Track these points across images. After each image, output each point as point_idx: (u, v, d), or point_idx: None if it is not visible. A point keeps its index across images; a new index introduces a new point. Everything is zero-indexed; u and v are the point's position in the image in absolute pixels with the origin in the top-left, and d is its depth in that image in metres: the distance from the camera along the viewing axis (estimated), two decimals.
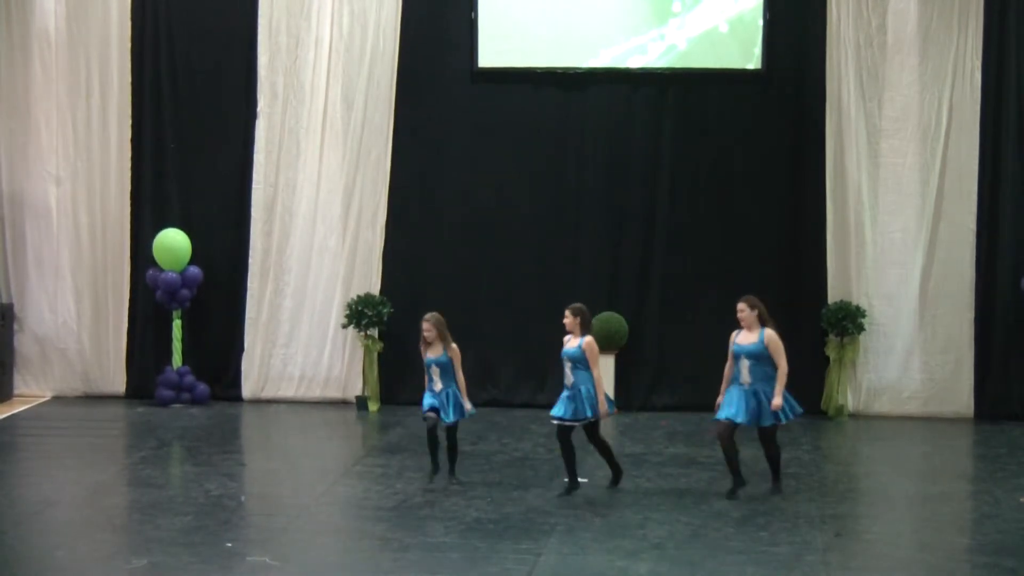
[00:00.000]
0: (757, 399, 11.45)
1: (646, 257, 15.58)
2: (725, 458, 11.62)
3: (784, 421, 11.59)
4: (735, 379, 11.54)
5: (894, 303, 15.24)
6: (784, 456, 13.21)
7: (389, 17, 15.57)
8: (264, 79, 15.70)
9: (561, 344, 11.69)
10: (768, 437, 11.67)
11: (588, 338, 11.56)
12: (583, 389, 11.45)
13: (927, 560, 10.04)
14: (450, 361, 11.77)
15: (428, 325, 11.81)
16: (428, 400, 11.84)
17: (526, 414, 14.79)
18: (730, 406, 11.45)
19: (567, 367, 11.55)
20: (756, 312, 11.60)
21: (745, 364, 11.47)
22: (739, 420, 11.41)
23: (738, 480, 11.57)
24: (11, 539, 10.36)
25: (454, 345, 11.80)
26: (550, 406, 11.83)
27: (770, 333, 11.52)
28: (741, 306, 11.62)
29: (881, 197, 15.22)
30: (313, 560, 9.89)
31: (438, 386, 11.79)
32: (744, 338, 11.58)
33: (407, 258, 15.73)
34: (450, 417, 11.77)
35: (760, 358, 11.45)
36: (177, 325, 15.74)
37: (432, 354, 11.81)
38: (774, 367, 11.48)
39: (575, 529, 10.61)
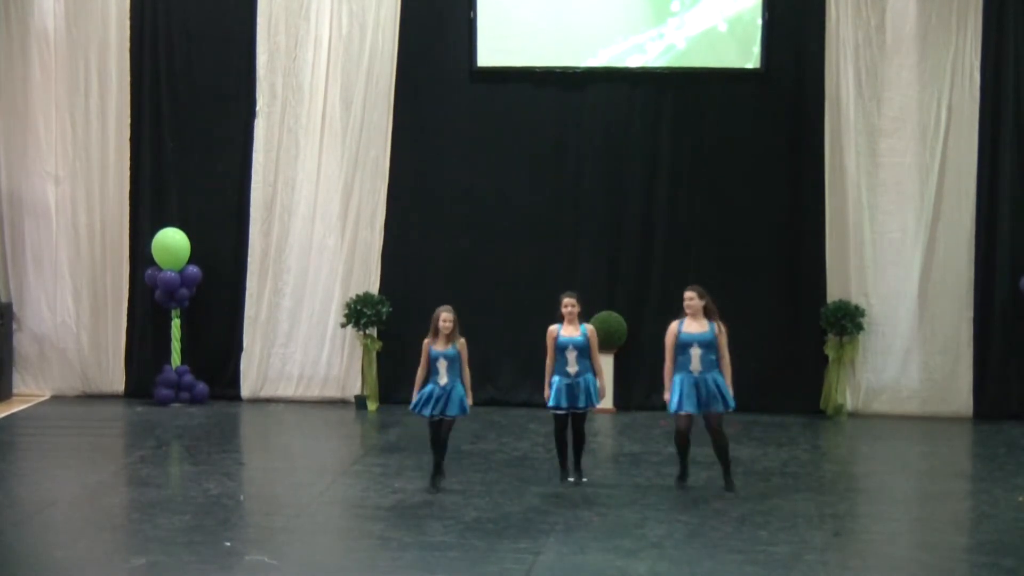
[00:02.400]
0: (707, 387, 11.58)
1: (645, 256, 15.58)
2: (682, 450, 11.84)
3: (730, 409, 11.73)
4: (683, 367, 11.60)
5: (893, 302, 15.24)
6: (783, 455, 13.28)
7: (388, 16, 15.57)
8: (263, 79, 15.70)
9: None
10: (717, 424, 11.71)
11: (591, 326, 11.94)
12: (588, 377, 11.73)
13: (926, 559, 10.04)
14: (458, 355, 11.60)
15: (449, 316, 11.54)
16: (429, 397, 11.53)
17: (525, 413, 14.80)
18: (688, 398, 11.56)
19: (573, 355, 11.65)
20: (704, 302, 11.73)
21: (696, 352, 11.58)
22: (695, 411, 11.63)
23: (686, 471, 11.90)
24: (10, 539, 10.36)
25: (462, 339, 11.65)
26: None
27: (722, 325, 11.74)
28: (690, 294, 11.75)
29: (880, 196, 15.22)
30: (311, 559, 9.89)
31: (443, 380, 11.55)
32: (692, 327, 11.67)
33: (406, 257, 15.73)
34: (454, 411, 11.59)
35: (710, 346, 11.60)
36: (176, 324, 15.75)
37: (440, 347, 11.58)
38: (717, 356, 11.66)
39: (574, 528, 10.61)
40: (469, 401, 11.71)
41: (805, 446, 13.82)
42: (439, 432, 11.67)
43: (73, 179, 15.95)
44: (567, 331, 11.73)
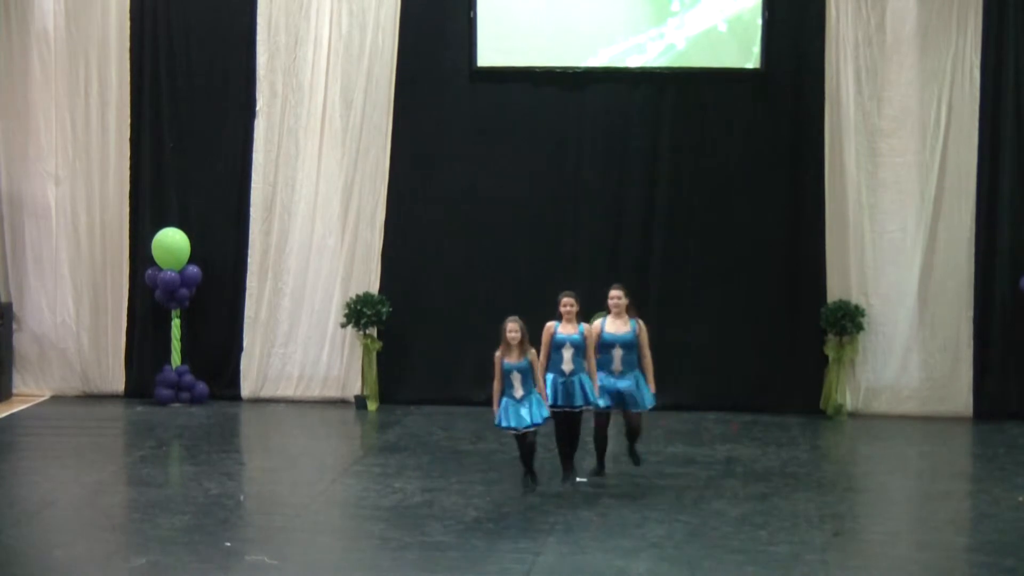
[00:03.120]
0: (626, 386, 11.80)
1: (644, 256, 15.58)
2: (600, 446, 12.08)
3: (647, 408, 11.95)
4: (605, 367, 11.79)
5: (893, 302, 15.24)
6: (783, 455, 13.27)
7: (388, 16, 15.57)
8: (263, 78, 15.71)
9: None
10: (636, 422, 11.97)
11: (588, 325, 11.88)
12: (583, 376, 11.69)
13: (925, 559, 10.04)
14: (531, 366, 11.46)
15: (516, 327, 11.43)
16: (514, 412, 11.42)
17: None
18: (602, 396, 11.77)
19: (569, 353, 11.61)
20: (627, 301, 11.91)
21: (618, 353, 11.76)
22: (612, 407, 11.86)
23: (602, 466, 12.19)
24: (10, 539, 10.36)
25: (533, 349, 11.53)
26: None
27: (642, 324, 11.94)
28: (617, 293, 11.95)
29: (880, 196, 15.22)
30: (312, 559, 9.90)
31: (519, 393, 11.43)
32: (614, 327, 11.86)
33: (406, 257, 15.74)
34: (538, 420, 11.47)
35: (631, 347, 11.79)
36: (176, 324, 15.75)
37: (512, 359, 11.45)
38: (639, 355, 11.87)
39: (574, 528, 10.62)
40: (545, 411, 11.53)
41: (805, 446, 13.81)
42: (524, 443, 11.59)
43: (73, 179, 15.95)
44: (564, 329, 11.70)
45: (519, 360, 11.43)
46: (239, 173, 15.81)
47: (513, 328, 11.44)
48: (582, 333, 11.68)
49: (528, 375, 11.45)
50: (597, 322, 11.98)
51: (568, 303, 11.73)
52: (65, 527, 10.83)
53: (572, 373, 11.62)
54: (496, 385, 11.57)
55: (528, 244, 15.64)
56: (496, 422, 11.57)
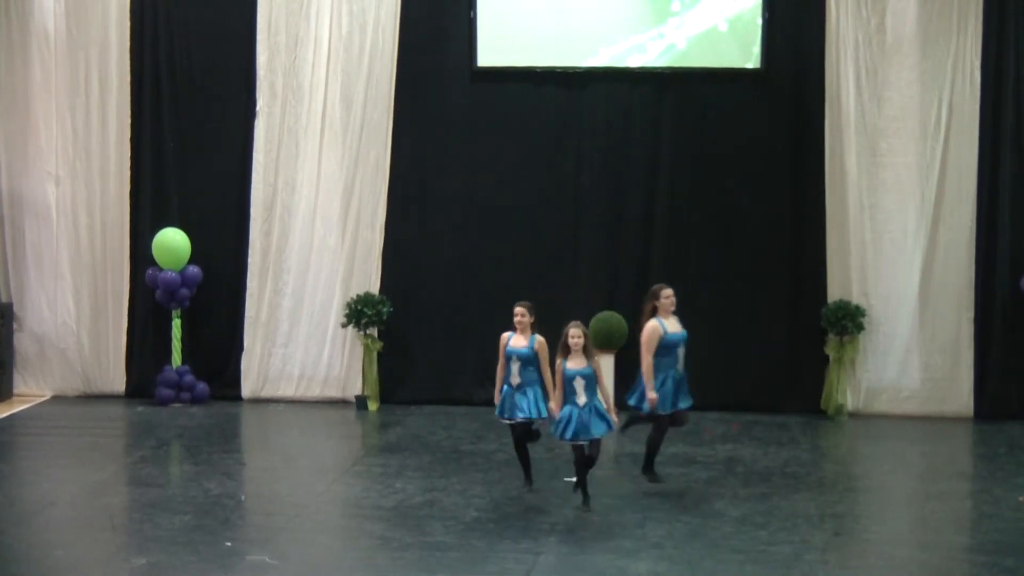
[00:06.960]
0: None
1: (645, 256, 15.58)
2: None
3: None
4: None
5: (893, 302, 15.24)
6: (783, 455, 13.28)
7: (388, 16, 15.57)
8: (263, 78, 15.71)
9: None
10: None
11: (540, 337, 11.52)
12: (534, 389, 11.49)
13: (926, 559, 10.05)
14: (594, 373, 11.19)
15: (579, 332, 11.14)
16: (568, 420, 11.12)
17: None
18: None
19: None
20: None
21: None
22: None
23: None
24: (11, 539, 10.37)
25: (597, 356, 11.31)
26: None
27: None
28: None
29: (880, 196, 15.22)
30: (312, 559, 9.91)
31: (582, 399, 11.12)
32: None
33: (406, 257, 15.74)
34: (601, 431, 11.17)
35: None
36: (176, 324, 15.75)
37: (576, 365, 11.15)
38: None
39: (574, 528, 10.62)
40: (613, 417, 11.26)
41: (805, 446, 13.82)
42: (582, 454, 11.28)
43: (73, 179, 15.95)
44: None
45: (583, 366, 11.15)
46: (239, 173, 15.82)
47: (576, 334, 11.15)
48: (532, 346, 11.39)
49: (592, 381, 11.16)
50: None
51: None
52: (65, 527, 10.84)
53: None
54: (557, 394, 11.29)
55: (528, 244, 15.64)
56: (553, 432, 11.29)
